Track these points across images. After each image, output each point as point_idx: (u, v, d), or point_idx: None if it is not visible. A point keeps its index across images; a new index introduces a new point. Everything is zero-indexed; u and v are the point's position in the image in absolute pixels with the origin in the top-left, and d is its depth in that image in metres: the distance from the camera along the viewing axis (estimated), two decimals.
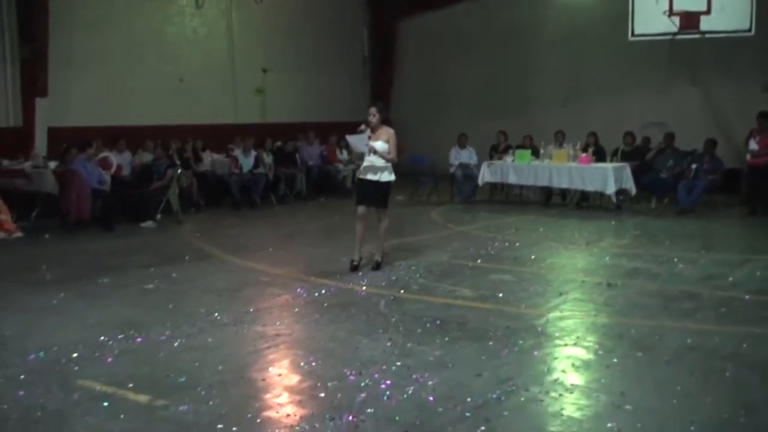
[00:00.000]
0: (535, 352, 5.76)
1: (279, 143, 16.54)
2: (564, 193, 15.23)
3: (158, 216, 12.81)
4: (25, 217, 12.56)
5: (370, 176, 8.76)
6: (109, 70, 15.57)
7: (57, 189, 12.50)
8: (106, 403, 4.74)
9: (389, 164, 8.75)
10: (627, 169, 14.09)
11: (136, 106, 15.94)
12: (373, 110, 8.80)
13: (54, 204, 12.56)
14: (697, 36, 11.96)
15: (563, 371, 5.33)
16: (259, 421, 4.49)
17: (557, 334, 6.27)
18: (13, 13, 14.25)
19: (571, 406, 4.70)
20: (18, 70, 14.35)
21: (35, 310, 7.16)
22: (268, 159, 15.61)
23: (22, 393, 4.92)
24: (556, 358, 5.65)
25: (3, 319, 6.80)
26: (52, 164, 13.02)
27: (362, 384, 5.05)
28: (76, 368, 5.43)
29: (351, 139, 8.92)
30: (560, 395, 4.86)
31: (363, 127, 8.80)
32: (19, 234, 11.50)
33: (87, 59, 15.19)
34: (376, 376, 5.20)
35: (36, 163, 13.19)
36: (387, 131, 8.77)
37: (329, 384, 5.06)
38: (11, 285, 8.25)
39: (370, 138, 8.72)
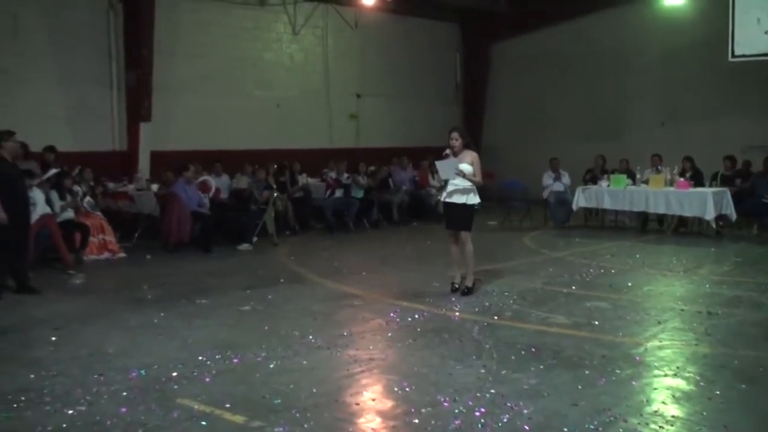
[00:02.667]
0: (634, 382, 5.63)
1: (372, 168, 16.68)
2: (661, 218, 14.86)
3: (254, 239, 13.06)
4: (128, 238, 13.00)
5: (456, 198, 8.76)
6: (208, 95, 16.06)
7: (158, 211, 12.90)
8: (204, 422, 4.84)
9: (474, 187, 8.75)
10: (727, 194, 13.68)
11: (233, 131, 16.36)
12: (455, 135, 8.81)
13: (155, 226, 12.96)
14: None
15: (663, 402, 5.19)
16: None
17: (656, 364, 6.11)
18: (121, 43, 14.84)
19: None
20: (124, 96, 14.92)
21: (137, 329, 7.38)
22: (363, 182, 15.75)
23: (124, 410, 5.06)
24: (655, 389, 5.50)
25: (107, 337, 7.04)
26: (154, 187, 13.45)
27: (456, 411, 5.02)
28: (176, 387, 5.57)
29: (439, 164, 8.92)
30: (660, 428, 4.72)
31: (448, 151, 8.81)
32: (122, 254, 11.92)
33: (188, 85, 15.73)
34: (470, 403, 5.16)
35: (139, 186, 13.66)
36: (470, 154, 8.78)
37: (423, 410, 5.04)
38: (115, 304, 8.55)
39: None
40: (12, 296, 8.85)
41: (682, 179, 13.94)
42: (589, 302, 8.43)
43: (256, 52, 17.37)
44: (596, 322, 7.51)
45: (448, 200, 8.88)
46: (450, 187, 8.81)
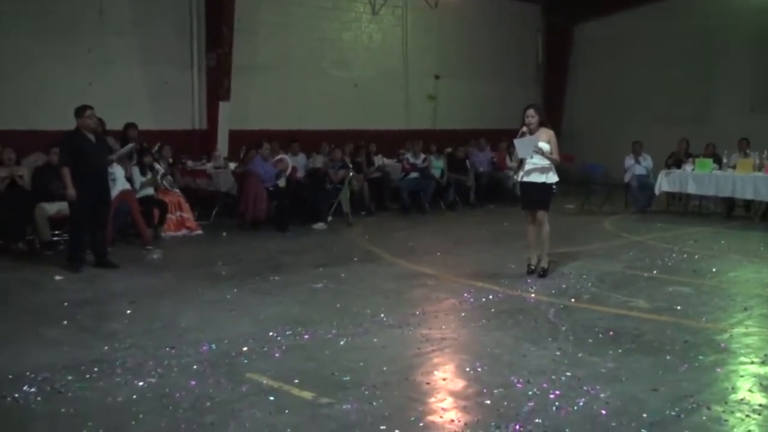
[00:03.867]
0: (718, 369, 5.37)
1: (450, 149, 16.50)
2: (748, 204, 14.30)
3: (330, 218, 13.05)
4: (206, 215, 13.13)
5: (534, 177, 8.55)
6: (286, 75, 16.08)
7: (235, 189, 12.99)
8: (272, 398, 4.79)
9: (552, 166, 8.52)
10: None
11: (311, 111, 16.35)
12: (530, 112, 8.61)
13: (232, 204, 13.06)
14: None
15: (750, 390, 4.93)
16: (422, 425, 4.40)
17: (742, 351, 5.83)
18: (202, 22, 14.96)
19: (758, 428, 4.32)
20: (204, 75, 15.04)
21: (210, 304, 7.41)
22: (437, 163, 15.60)
23: (193, 383, 5.06)
24: (741, 377, 5.24)
25: (180, 311, 7.08)
26: (232, 165, 13.54)
27: (530, 393, 4.87)
28: (245, 361, 5.55)
29: (518, 142, 8.70)
30: (747, 416, 4.48)
31: (524, 129, 8.59)
32: (199, 231, 12.04)
33: (267, 65, 15.77)
34: (545, 385, 4.99)
35: (217, 164, 13.77)
36: (547, 132, 8.57)
37: (495, 391, 4.90)
38: (189, 279, 8.62)
39: None
40: (91, 270, 9.00)
41: None
42: (671, 287, 8.14)
43: (335, 32, 17.31)
44: (678, 307, 7.23)
45: (525, 179, 8.67)
46: (527, 166, 8.60)
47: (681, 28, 18.93)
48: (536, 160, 8.50)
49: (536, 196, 8.61)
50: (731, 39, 18.32)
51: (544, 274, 8.66)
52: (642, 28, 19.74)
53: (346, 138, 15.32)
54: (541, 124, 8.62)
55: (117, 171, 10.58)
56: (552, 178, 8.55)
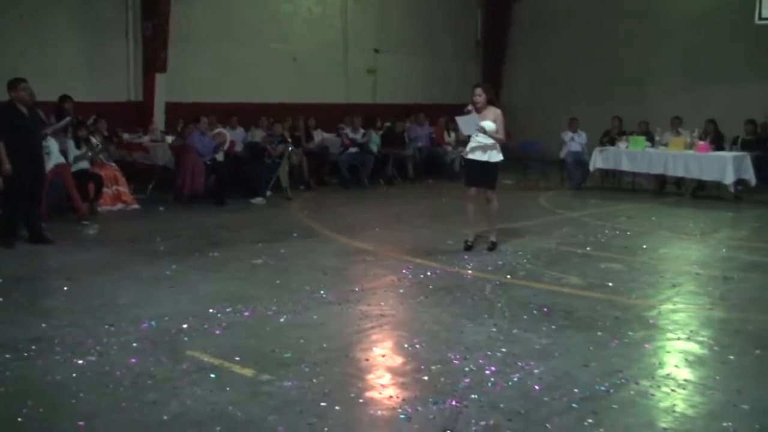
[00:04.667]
0: (646, 345, 5.58)
1: (388, 123, 16.55)
2: (679, 182, 14.70)
3: (268, 192, 13.02)
4: (143, 189, 12.98)
5: (478, 156, 8.69)
6: (225, 47, 15.88)
7: (173, 163, 12.86)
8: (213, 375, 4.83)
9: (497, 144, 8.66)
10: (747, 159, 13.50)
11: (250, 84, 16.20)
12: (478, 90, 8.75)
13: (170, 177, 12.93)
14: None
15: (676, 366, 5.14)
16: (361, 401, 4.49)
17: (670, 327, 6.06)
18: None
19: (683, 402, 4.53)
20: (140, 46, 14.78)
21: (149, 280, 7.38)
22: (375, 138, 15.64)
23: (134, 360, 5.07)
24: (668, 352, 5.47)
25: (118, 288, 7.04)
26: (169, 138, 13.39)
27: (466, 369, 5.00)
28: (186, 339, 5.57)
29: (460, 119, 8.83)
30: (672, 390, 4.69)
31: (469, 107, 8.72)
32: (136, 206, 11.90)
33: (204, 36, 15.54)
34: (481, 361, 5.13)
35: (154, 137, 13.60)
36: (494, 111, 8.72)
37: (433, 367, 5.02)
38: (127, 255, 8.55)
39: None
40: (25, 246, 8.84)
41: (701, 142, 13.76)
42: (604, 263, 8.37)
43: (274, 4, 17.14)
44: (610, 284, 7.45)
45: (470, 157, 8.82)
46: (472, 144, 8.74)
47: (619, 8, 19.20)
48: (480, 138, 8.64)
49: (480, 174, 8.76)
50: (668, 20, 18.65)
51: (493, 247, 8.84)
52: (580, 7, 19.99)
53: (285, 112, 15.21)
54: (490, 102, 8.75)
55: (51, 145, 10.40)
56: (495, 156, 8.69)
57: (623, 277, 7.82)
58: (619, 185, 15.44)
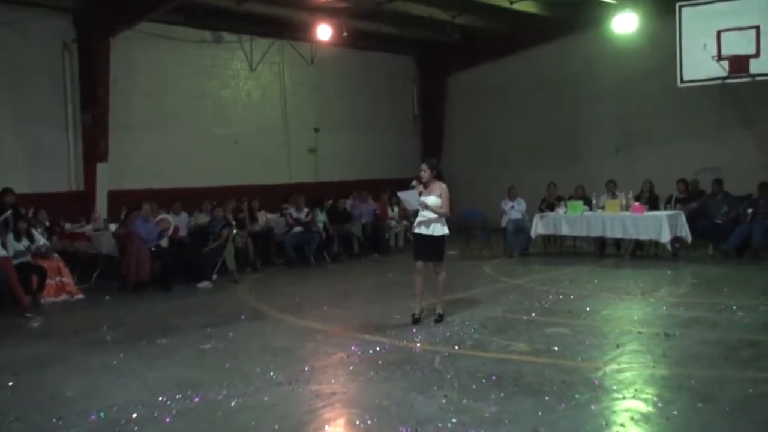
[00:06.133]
0: (593, 406, 5.69)
1: (331, 201, 16.73)
2: (618, 243, 15.07)
3: (214, 276, 13.00)
4: (87, 279, 12.87)
5: (423, 230, 8.89)
6: (166, 133, 16.05)
7: (117, 251, 12.80)
8: None
9: (442, 218, 8.86)
10: (681, 217, 13.92)
11: (192, 169, 16.34)
12: (424, 166, 9.01)
13: (114, 266, 12.85)
14: (748, 79, 11.85)
15: (622, 425, 5.25)
16: None
17: (615, 387, 6.17)
18: (77, 83, 14.79)
19: None
20: (80, 136, 14.86)
21: (96, 371, 7.31)
22: (321, 217, 15.77)
23: None
24: (614, 412, 5.57)
25: (65, 379, 6.97)
26: (112, 226, 13.35)
27: None
28: (136, 428, 5.52)
29: (403, 195, 9.05)
30: None
31: (414, 183, 8.94)
32: (80, 296, 11.81)
33: (145, 124, 15.72)
34: None
35: (97, 226, 13.55)
36: (440, 186, 8.93)
37: None
38: (74, 346, 8.46)
39: (421, 194, 8.86)
40: None
41: (637, 203, 14.17)
42: (549, 328, 8.51)
43: (214, 90, 17.40)
44: (556, 348, 7.58)
45: (416, 231, 9.05)
46: (419, 218, 8.95)
47: (546, 76, 19.84)
48: (426, 213, 8.85)
49: (427, 247, 8.96)
50: (593, 85, 19.27)
51: (440, 320, 8.96)
52: (512, 77, 20.60)
53: (228, 194, 15.32)
54: (437, 177, 8.99)
55: None
56: (440, 230, 8.89)
57: (569, 340, 7.96)
58: (560, 249, 15.76)
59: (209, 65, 17.32)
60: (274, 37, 18.24)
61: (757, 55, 11.43)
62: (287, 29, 17.77)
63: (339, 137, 19.81)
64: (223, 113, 17.53)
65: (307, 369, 7.11)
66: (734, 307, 9.25)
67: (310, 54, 18.79)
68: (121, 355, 7.90)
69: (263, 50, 18.14)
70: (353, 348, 7.88)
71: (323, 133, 19.56)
